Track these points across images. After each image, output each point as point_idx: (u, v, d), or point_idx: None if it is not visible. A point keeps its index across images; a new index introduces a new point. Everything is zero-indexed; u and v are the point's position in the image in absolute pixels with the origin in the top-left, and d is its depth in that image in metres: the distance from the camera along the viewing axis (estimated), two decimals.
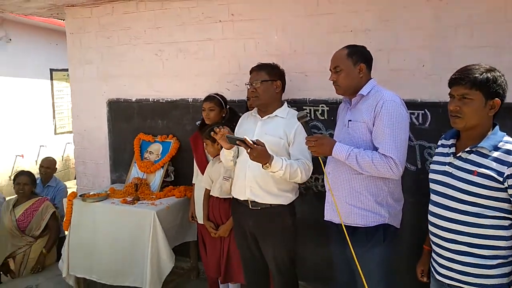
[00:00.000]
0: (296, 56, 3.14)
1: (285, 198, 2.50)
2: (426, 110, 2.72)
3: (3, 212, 3.88)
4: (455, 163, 1.78)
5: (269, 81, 2.53)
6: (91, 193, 3.41)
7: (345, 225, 2.04)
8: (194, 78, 3.54)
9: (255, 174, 2.46)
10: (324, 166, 2.22)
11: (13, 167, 8.04)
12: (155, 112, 3.73)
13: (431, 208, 1.87)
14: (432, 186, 1.88)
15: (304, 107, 3.09)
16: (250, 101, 2.69)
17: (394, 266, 2.21)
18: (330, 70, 2.25)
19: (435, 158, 1.92)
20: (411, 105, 2.65)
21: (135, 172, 3.66)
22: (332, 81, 2.23)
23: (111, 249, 3.20)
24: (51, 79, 8.80)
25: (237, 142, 2.27)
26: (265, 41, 3.23)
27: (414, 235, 2.72)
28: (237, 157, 2.63)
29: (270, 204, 2.49)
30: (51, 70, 8.72)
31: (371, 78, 2.21)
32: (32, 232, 3.79)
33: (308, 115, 2.24)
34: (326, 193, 2.26)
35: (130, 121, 3.85)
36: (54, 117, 8.92)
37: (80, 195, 3.37)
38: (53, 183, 4.52)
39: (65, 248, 3.40)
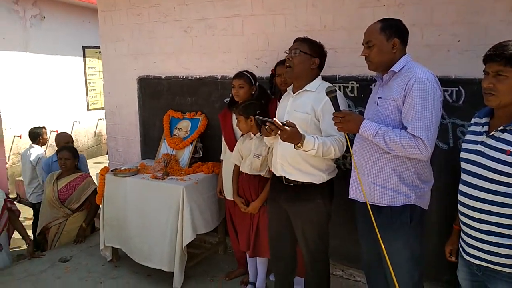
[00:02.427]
0: (326, 31, 3.10)
1: (318, 177, 2.49)
2: (460, 87, 2.66)
3: (46, 183, 4.12)
4: (487, 142, 1.74)
5: (308, 55, 2.48)
6: (122, 168, 3.53)
7: (370, 204, 2.05)
8: (223, 55, 3.56)
9: (284, 151, 2.48)
10: (352, 144, 2.22)
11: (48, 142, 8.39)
12: (184, 89, 3.78)
13: (462, 187, 1.85)
14: (463, 165, 1.86)
15: (333, 84, 3.04)
16: (284, 73, 2.64)
17: (421, 246, 2.21)
18: (362, 44, 2.21)
19: (468, 136, 1.89)
20: (444, 81, 2.58)
21: (164, 148, 3.75)
22: (364, 57, 2.20)
23: (140, 226, 3.32)
24: (84, 56, 9.05)
25: (267, 123, 2.27)
26: (294, 17, 3.20)
27: (444, 215, 2.72)
28: None
29: (302, 182, 2.51)
30: (84, 48, 8.97)
31: (405, 54, 2.16)
32: (70, 204, 3.99)
33: (337, 90, 2.18)
34: (352, 171, 2.27)
35: (160, 98, 3.93)
36: (86, 94, 9.20)
37: (112, 170, 3.49)
38: None
39: (101, 222, 3.56)
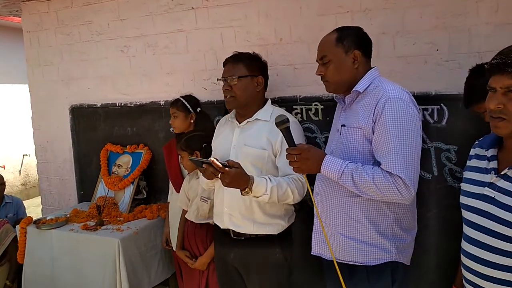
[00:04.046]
0: (283, 45, 2.68)
1: (275, 226, 2.05)
2: (442, 104, 2.24)
3: None
4: (498, 184, 1.30)
5: (248, 77, 2.07)
6: (48, 218, 2.99)
7: (340, 263, 1.60)
8: (166, 76, 3.10)
9: (234, 198, 2.02)
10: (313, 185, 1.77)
11: None
12: (123, 118, 3.29)
13: (465, 245, 1.40)
14: (466, 214, 1.41)
15: (294, 107, 2.63)
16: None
17: None
18: (316, 61, 1.80)
19: (468, 174, 1.45)
20: (424, 99, 2.22)
21: (102, 189, 3.23)
22: (320, 76, 1.78)
23: (74, 286, 2.77)
24: None
25: (204, 165, 1.81)
26: (245, 29, 2.78)
27: (430, 270, 2.30)
28: None
29: (256, 234, 2.04)
30: None
31: (370, 68, 1.75)
32: None
33: (289, 119, 1.72)
34: (314, 220, 1.80)
35: (96, 130, 3.42)
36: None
37: (35, 221, 2.94)
38: (8, 199, 4.15)
39: (23, 284, 2.99)
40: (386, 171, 1.54)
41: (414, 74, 2.32)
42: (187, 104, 2.66)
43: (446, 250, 2.26)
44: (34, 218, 3.06)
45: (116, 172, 3.22)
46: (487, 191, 1.32)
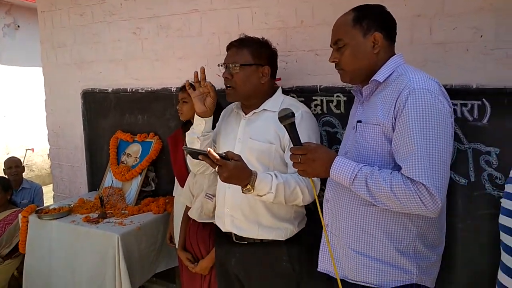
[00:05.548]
0: (304, 28, 2.43)
1: (283, 230, 1.83)
2: (484, 100, 1.94)
3: None
4: None
5: (253, 66, 1.84)
6: (51, 208, 2.89)
7: (350, 283, 1.37)
8: (178, 61, 2.92)
9: (237, 197, 1.81)
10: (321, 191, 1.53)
11: (24, 161, 7.84)
12: (134, 104, 3.14)
13: (502, 277, 1.15)
14: (505, 238, 1.16)
15: (314, 97, 2.38)
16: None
17: None
18: (330, 46, 1.56)
19: (511, 188, 1.19)
20: (463, 92, 1.94)
21: (110, 179, 3.11)
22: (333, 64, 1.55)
23: (69, 282, 2.66)
24: None
25: (200, 156, 1.60)
26: (263, 10, 2.54)
27: (461, 282, 2.02)
28: None
29: (261, 240, 1.83)
30: None
31: (394, 54, 1.49)
32: (0, 249, 3.34)
33: (295, 113, 1.48)
34: (323, 233, 1.57)
35: (107, 116, 3.29)
36: None
37: (37, 211, 2.84)
38: (26, 184, 4.11)
39: (24, 276, 2.91)
40: (408, 177, 1.28)
41: (453, 64, 2.02)
42: None
43: (479, 270, 1.98)
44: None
45: (125, 162, 3.08)
46: None
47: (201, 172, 2.04)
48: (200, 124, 1.91)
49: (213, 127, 2.05)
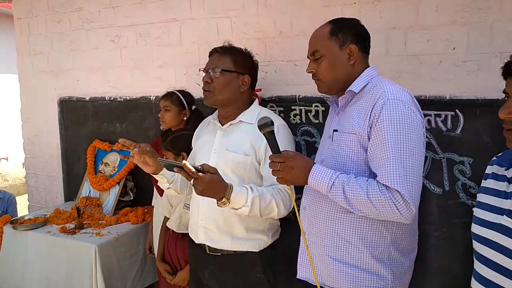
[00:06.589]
0: (283, 39, 2.48)
1: (257, 242, 1.85)
2: (457, 110, 2.01)
3: None
4: None
5: (234, 73, 1.87)
6: (26, 218, 2.84)
7: None
8: (157, 70, 2.93)
9: (211, 209, 1.82)
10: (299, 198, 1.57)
11: None
12: (112, 113, 3.13)
13: (475, 285, 1.19)
14: (478, 247, 1.20)
15: (292, 107, 2.43)
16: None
17: None
18: (307, 57, 1.61)
19: (483, 197, 1.24)
20: (436, 103, 2.02)
21: (87, 188, 3.08)
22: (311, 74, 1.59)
23: None
24: None
25: (175, 169, 1.61)
26: (242, 20, 2.59)
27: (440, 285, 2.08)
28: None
29: (234, 251, 1.85)
30: None
31: (368, 66, 1.54)
32: None
33: (274, 121, 1.52)
34: (301, 240, 1.60)
35: (84, 125, 3.27)
36: None
37: (12, 221, 2.80)
38: None
39: None
40: (383, 184, 1.33)
41: (427, 75, 2.09)
42: (183, 99, 2.49)
43: (453, 278, 2.04)
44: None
45: (102, 171, 3.07)
46: (505, 220, 1.10)
47: (167, 187, 2.00)
48: (162, 179, 1.92)
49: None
